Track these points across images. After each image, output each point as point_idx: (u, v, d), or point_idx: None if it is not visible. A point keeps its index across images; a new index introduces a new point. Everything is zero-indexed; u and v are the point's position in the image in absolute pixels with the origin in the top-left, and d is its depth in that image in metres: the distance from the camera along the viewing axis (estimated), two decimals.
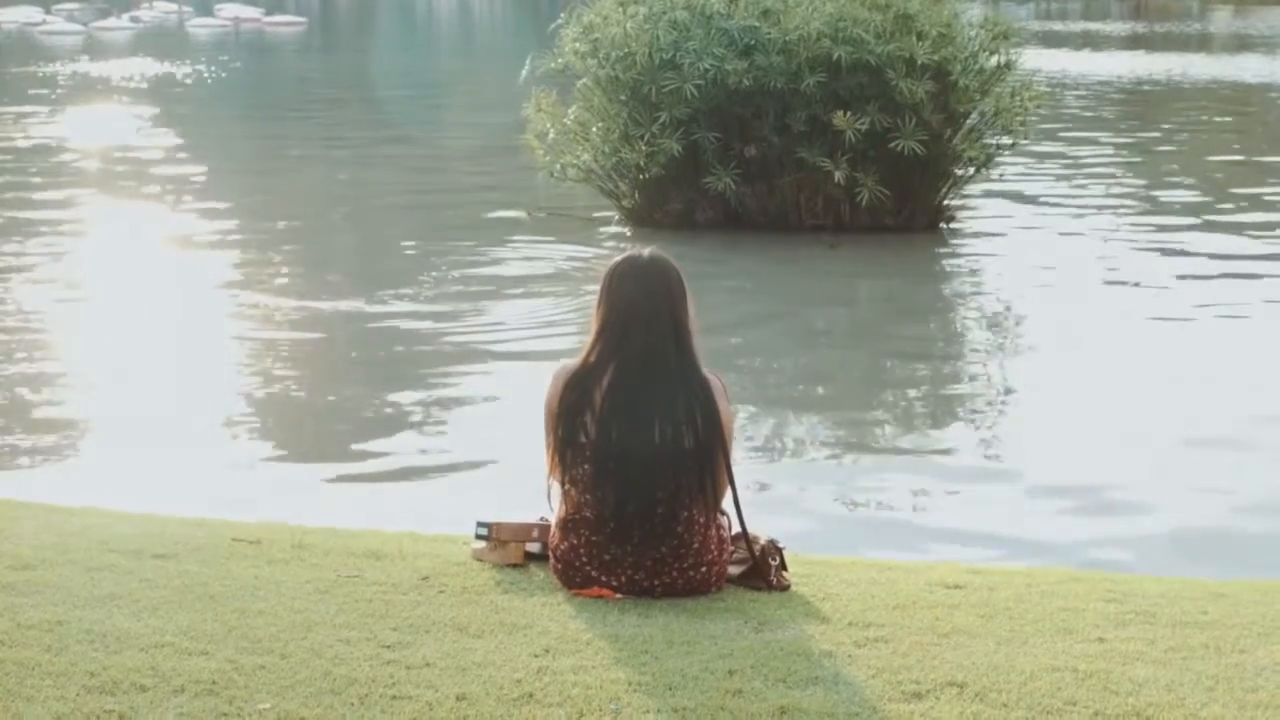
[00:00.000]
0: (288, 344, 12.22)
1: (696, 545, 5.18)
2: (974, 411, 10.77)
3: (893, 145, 15.86)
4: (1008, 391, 11.31)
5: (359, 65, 50.72)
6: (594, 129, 17.07)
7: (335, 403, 10.54)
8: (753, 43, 16.33)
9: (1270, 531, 8.20)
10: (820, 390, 11.28)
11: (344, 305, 13.63)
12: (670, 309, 5.22)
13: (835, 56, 16.01)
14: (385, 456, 9.33)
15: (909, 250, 16.37)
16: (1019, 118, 16.95)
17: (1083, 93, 37.04)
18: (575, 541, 5.20)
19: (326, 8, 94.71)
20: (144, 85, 38.93)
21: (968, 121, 17.01)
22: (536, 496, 5.46)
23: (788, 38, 16.19)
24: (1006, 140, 17.29)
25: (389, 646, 4.55)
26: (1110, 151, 26.44)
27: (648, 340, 5.19)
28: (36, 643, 4.46)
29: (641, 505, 5.15)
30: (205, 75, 43.53)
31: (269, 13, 75.52)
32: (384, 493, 8.62)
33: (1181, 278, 15.07)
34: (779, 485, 8.88)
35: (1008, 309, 14.17)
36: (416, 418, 10.24)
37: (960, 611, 5.08)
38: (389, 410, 10.38)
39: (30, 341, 11.95)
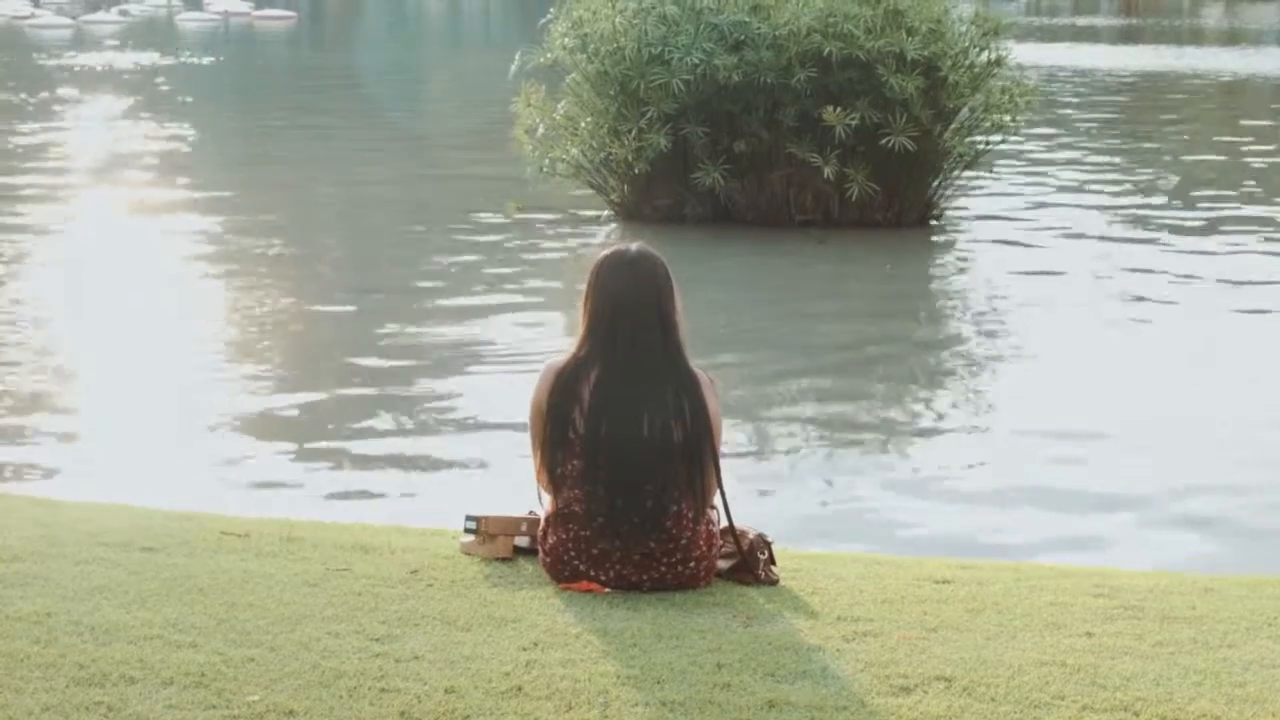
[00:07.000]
0: (275, 339, 12.21)
1: (685, 540, 5.18)
2: (962, 405, 10.78)
3: (883, 141, 15.86)
4: (995, 384, 11.32)
5: (348, 60, 50.66)
6: (583, 124, 17.06)
7: (323, 397, 10.52)
8: (742, 38, 16.33)
9: (1259, 526, 8.22)
10: (808, 385, 11.28)
11: (331, 300, 13.62)
12: (657, 303, 5.22)
13: (825, 52, 16.02)
14: (374, 450, 9.32)
15: (899, 245, 16.37)
16: (1009, 113, 16.98)
17: (1074, 87, 37.07)
18: (564, 536, 5.21)
19: (315, 2, 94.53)
20: (132, 79, 38.86)
21: (958, 117, 17.02)
22: (525, 490, 5.46)
23: (777, 33, 16.20)
24: (996, 136, 17.32)
25: (378, 639, 4.55)
26: (1101, 145, 26.48)
27: (635, 334, 5.19)
28: (25, 635, 4.46)
29: (630, 500, 5.15)
30: (194, 69, 43.47)
31: (258, 7, 75.33)
32: (373, 487, 8.62)
33: (1173, 269, 15.09)
34: (767, 480, 8.88)
35: (997, 303, 14.18)
36: (405, 412, 10.23)
37: (948, 606, 5.09)
38: (377, 405, 10.37)
39: (16, 335, 11.92)
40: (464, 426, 9.89)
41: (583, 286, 5.34)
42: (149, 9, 77.96)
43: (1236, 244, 16.63)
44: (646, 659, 4.47)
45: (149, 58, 45.98)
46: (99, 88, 35.81)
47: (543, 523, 5.32)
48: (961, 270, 16.00)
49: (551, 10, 17.92)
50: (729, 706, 4.13)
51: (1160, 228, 17.79)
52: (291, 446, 9.39)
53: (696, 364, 5.29)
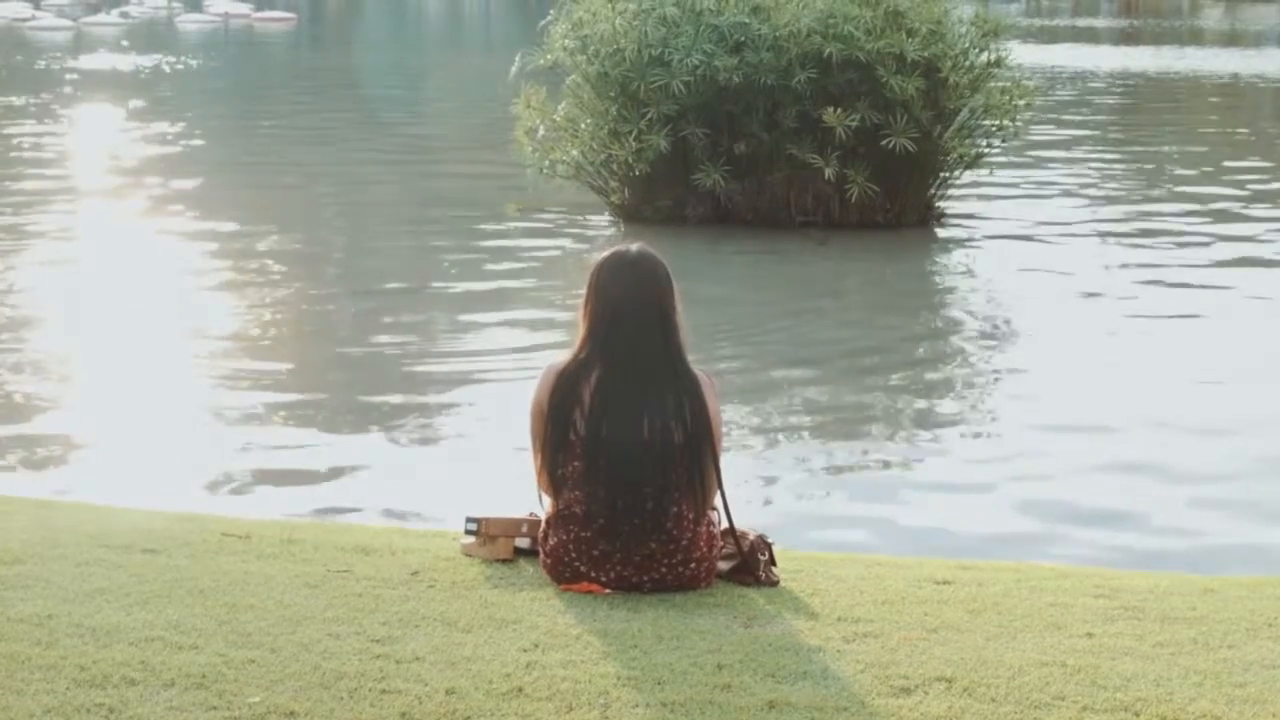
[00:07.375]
0: (275, 340, 12.21)
1: (685, 541, 5.18)
2: (962, 406, 10.77)
3: (884, 142, 15.87)
4: (996, 385, 11.32)
5: (348, 61, 50.67)
6: (583, 125, 17.07)
7: (324, 399, 10.53)
8: (743, 39, 16.34)
9: (1261, 527, 8.22)
10: (808, 386, 11.28)
11: (331, 301, 13.62)
12: (658, 304, 5.22)
13: (826, 53, 16.03)
14: (374, 451, 9.32)
15: (899, 246, 16.38)
16: (1009, 114, 16.99)
17: (1074, 88, 37.07)
18: (565, 537, 5.21)
19: (315, 4, 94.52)
20: (132, 80, 38.87)
21: (958, 118, 17.03)
22: (525, 492, 5.46)
23: (778, 34, 16.21)
24: (996, 136, 17.32)
25: (378, 641, 4.56)
26: (1101, 146, 26.48)
27: (636, 335, 5.19)
28: (26, 636, 4.46)
29: (630, 501, 5.15)
30: (194, 70, 43.48)
31: (258, 8, 75.33)
32: (373, 488, 8.61)
33: (1174, 269, 15.09)
34: (768, 481, 8.88)
35: (997, 304, 14.18)
36: (406, 414, 10.23)
37: (949, 607, 5.09)
38: (377, 406, 10.38)
39: (16, 336, 11.92)
40: (464, 427, 9.89)
41: (583, 288, 5.34)
42: (149, 11, 77.90)
43: (1237, 244, 16.63)
44: (647, 660, 4.47)
45: (149, 59, 45.97)
46: (99, 90, 35.78)
47: (543, 524, 5.32)
48: (962, 270, 15.99)
49: (551, 12, 17.93)
50: (729, 707, 4.13)
51: (1161, 228, 17.78)
52: (292, 448, 9.39)
53: (697, 365, 5.29)
